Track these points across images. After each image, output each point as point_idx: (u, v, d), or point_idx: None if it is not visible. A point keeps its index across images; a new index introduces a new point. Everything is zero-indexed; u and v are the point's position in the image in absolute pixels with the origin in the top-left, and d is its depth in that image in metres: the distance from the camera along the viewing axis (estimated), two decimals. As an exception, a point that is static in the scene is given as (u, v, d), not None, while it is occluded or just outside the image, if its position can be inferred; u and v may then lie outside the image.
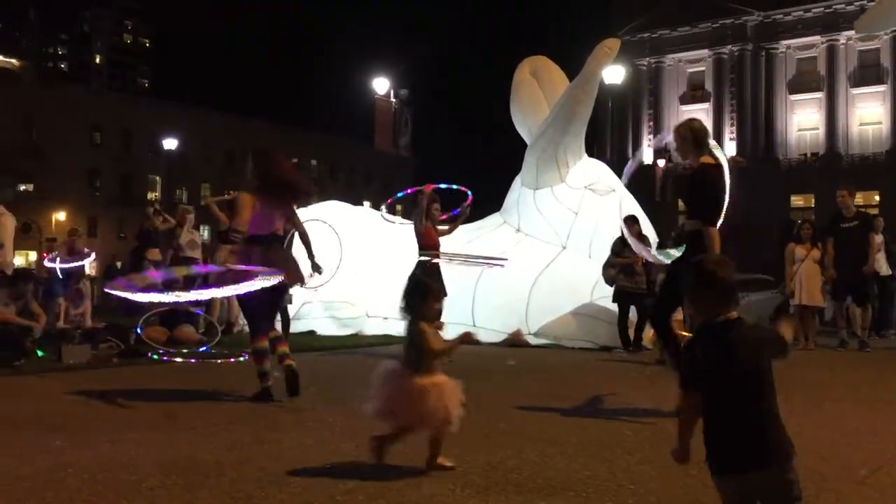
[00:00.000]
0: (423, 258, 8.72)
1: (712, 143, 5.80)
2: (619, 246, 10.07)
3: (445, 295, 9.08)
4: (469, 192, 9.78)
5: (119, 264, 29.55)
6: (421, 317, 3.86)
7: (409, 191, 9.89)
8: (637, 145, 54.29)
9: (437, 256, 8.95)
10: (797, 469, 2.43)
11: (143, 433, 4.63)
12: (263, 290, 5.78)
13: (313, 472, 3.74)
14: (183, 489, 3.43)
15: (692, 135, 5.66)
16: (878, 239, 11.85)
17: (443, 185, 9.58)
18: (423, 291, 3.93)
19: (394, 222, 10.25)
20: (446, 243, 9.26)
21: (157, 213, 13.86)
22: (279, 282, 5.83)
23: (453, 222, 9.48)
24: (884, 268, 12.63)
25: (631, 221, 10.05)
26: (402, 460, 3.91)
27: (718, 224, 5.49)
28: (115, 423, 4.98)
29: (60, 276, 11.60)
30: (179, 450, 4.16)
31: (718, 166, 5.66)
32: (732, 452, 2.32)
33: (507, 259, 9.61)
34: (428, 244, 9.00)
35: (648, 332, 9.93)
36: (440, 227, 9.32)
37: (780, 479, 2.32)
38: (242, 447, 4.25)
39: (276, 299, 6.30)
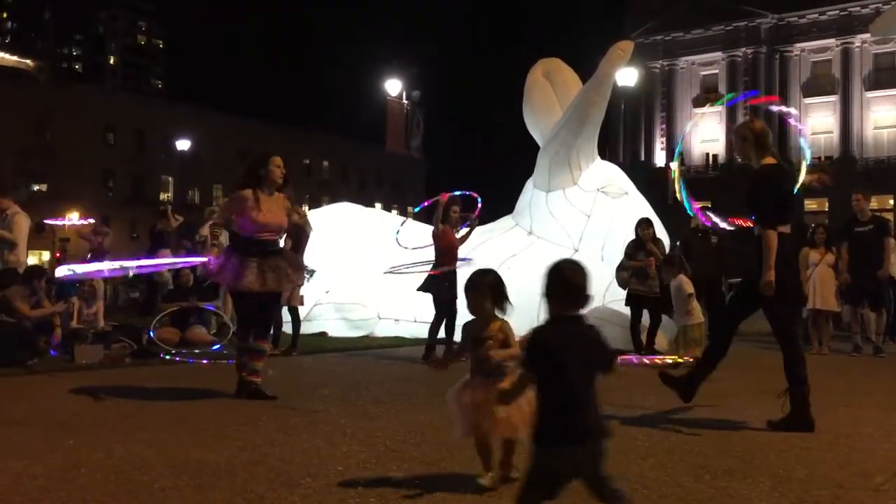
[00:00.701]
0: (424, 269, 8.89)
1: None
2: (633, 249, 10.03)
3: (457, 297, 9.16)
4: (479, 200, 9.87)
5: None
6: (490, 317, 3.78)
7: (425, 203, 9.96)
8: (650, 148, 54.18)
9: (448, 262, 9.01)
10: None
11: (155, 434, 4.63)
12: (253, 298, 6.02)
13: (325, 474, 3.73)
14: (194, 490, 3.42)
15: (753, 135, 5.54)
16: (892, 243, 11.77)
17: (457, 193, 9.69)
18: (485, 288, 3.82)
19: (407, 247, 10.19)
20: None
21: (165, 213, 13.90)
22: (270, 293, 6.03)
23: (467, 232, 9.63)
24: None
25: (645, 225, 10.01)
26: (414, 465, 3.90)
27: (785, 228, 5.27)
28: (127, 423, 4.98)
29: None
30: (191, 451, 4.16)
31: (780, 167, 5.52)
32: (560, 427, 2.57)
33: (470, 259, 9.57)
34: (443, 245, 9.06)
35: (662, 337, 9.90)
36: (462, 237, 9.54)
37: (594, 453, 2.62)
38: (254, 449, 4.24)
39: (266, 309, 6.28)
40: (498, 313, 3.73)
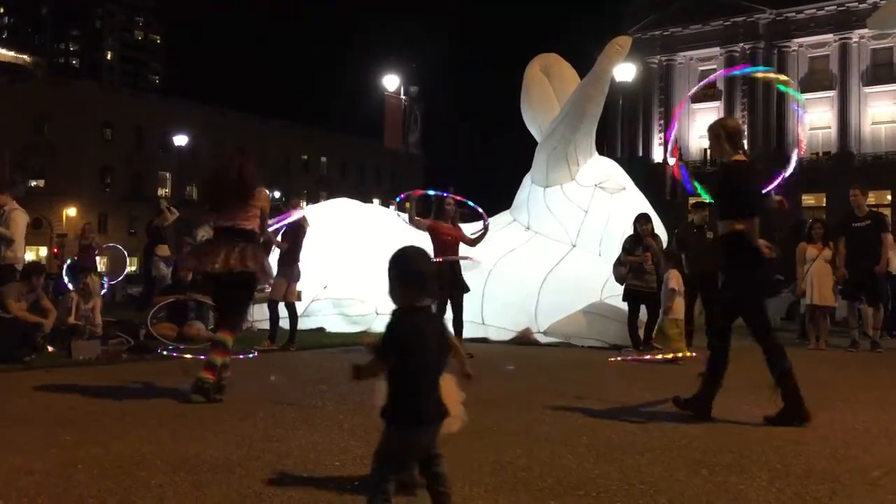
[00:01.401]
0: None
1: None
2: (630, 244, 10.03)
3: (468, 290, 9.26)
4: (446, 195, 9.94)
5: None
6: None
7: (401, 196, 10.01)
8: (648, 143, 54.18)
9: (448, 252, 9.08)
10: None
11: (152, 430, 4.63)
12: (220, 283, 6.01)
13: (322, 469, 3.73)
14: (191, 486, 3.42)
15: (726, 132, 5.59)
16: (890, 238, 11.80)
17: (430, 192, 9.77)
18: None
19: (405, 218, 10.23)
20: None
21: (167, 207, 13.91)
22: (238, 274, 5.90)
23: (481, 235, 9.83)
24: None
25: (644, 220, 10.01)
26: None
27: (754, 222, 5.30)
28: (124, 419, 4.98)
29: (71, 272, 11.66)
30: (188, 446, 4.16)
31: (750, 164, 5.60)
32: (415, 410, 2.72)
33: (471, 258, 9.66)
34: (439, 237, 9.13)
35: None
36: (467, 236, 9.68)
37: (436, 434, 2.80)
38: (251, 444, 4.24)
39: (231, 293, 6.14)
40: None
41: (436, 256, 9.08)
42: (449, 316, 8.99)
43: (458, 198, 10.04)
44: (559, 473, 3.72)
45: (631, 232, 10.21)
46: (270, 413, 5.19)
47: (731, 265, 5.48)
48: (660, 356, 8.98)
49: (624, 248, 10.14)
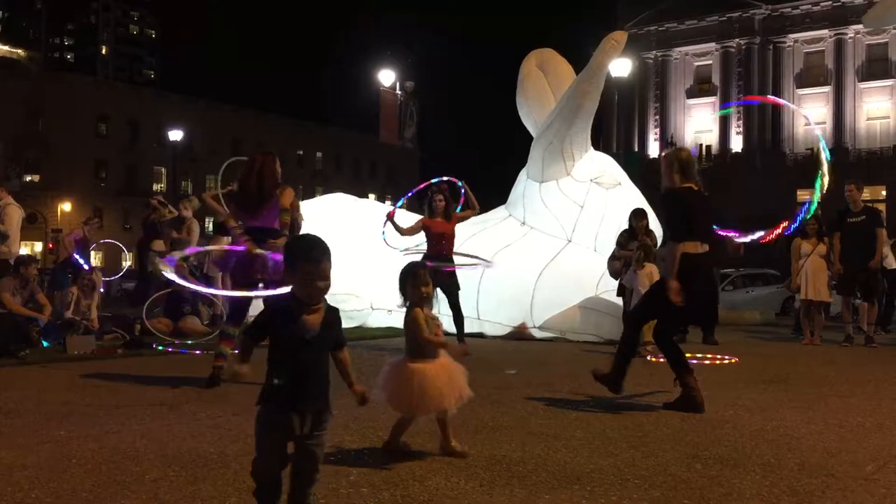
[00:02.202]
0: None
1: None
2: (625, 239, 10.05)
3: (458, 288, 9.22)
4: (459, 183, 9.85)
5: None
6: (412, 304, 3.93)
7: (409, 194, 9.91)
8: (643, 139, 54.20)
9: (443, 248, 9.06)
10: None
11: (147, 424, 4.63)
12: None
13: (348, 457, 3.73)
14: (186, 481, 3.42)
15: (679, 163, 5.71)
16: (884, 233, 11.84)
17: (436, 180, 9.72)
18: (405, 276, 3.96)
19: (396, 248, 9.96)
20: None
21: (163, 203, 13.87)
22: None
23: (466, 210, 9.67)
24: (893, 262, 12.65)
25: (640, 216, 10.02)
26: (406, 454, 3.90)
27: (697, 247, 5.47)
28: (119, 414, 4.98)
29: (79, 264, 11.63)
30: (183, 441, 4.16)
31: (697, 192, 5.72)
32: (294, 394, 2.77)
33: (491, 262, 9.61)
34: (433, 234, 9.13)
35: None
36: (463, 214, 9.53)
37: (322, 413, 2.84)
38: (246, 439, 4.23)
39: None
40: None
41: (430, 252, 9.12)
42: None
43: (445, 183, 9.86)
44: (553, 467, 3.73)
45: (625, 227, 10.23)
46: (265, 408, 5.18)
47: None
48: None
49: (618, 243, 10.15)
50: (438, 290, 8.95)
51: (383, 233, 9.86)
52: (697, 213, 5.60)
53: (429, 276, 3.97)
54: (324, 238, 3.01)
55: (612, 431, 4.60)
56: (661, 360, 8.58)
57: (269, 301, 3.00)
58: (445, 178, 9.85)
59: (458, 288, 9.20)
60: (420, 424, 4.05)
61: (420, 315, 3.88)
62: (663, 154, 6.05)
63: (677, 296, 5.35)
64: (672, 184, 5.72)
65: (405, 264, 4.10)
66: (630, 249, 9.93)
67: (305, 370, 2.79)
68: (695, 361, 8.52)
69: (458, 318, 9.10)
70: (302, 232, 9.07)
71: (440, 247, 9.14)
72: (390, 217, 9.60)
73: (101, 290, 10.34)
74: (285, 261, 2.91)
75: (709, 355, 8.85)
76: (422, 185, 9.49)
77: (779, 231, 7.80)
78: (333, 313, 2.89)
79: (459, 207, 9.64)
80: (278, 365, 2.81)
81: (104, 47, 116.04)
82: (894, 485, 3.53)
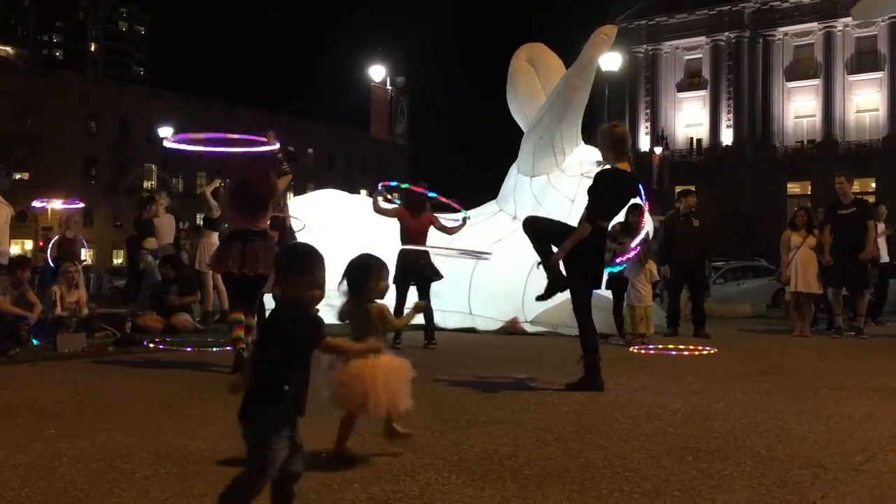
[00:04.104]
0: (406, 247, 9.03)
1: None
2: (617, 233, 10.07)
3: (440, 277, 9.29)
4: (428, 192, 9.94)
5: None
6: (365, 298, 3.76)
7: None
8: (634, 133, 54.22)
9: (413, 242, 9.16)
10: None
11: (138, 421, 4.62)
12: (242, 274, 6.82)
13: (309, 460, 3.72)
14: (177, 478, 3.41)
15: (611, 140, 5.99)
16: (874, 225, 11.90)
17: (431, 195, 9.84)
18: (367, 271, 3.79)
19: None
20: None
21: (151, 199, 13.82)
22: (259, 273, 6.74)
23: (460, 226, 9.81)
24: (885, 255, 12.76)
25: (638, 211, 10.01)
26: (399, 448, 3.90)
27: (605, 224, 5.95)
28: (109, 411, 4.96)
29: (53, 266, 11.61)
30: (174, 438, 4.15)
31: (627, 173, 6.02)
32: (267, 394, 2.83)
33: (490, 253, 9.70)
34: (409, 228, 9.19)
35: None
36: (446, 225, 9.63)
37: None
38: (237, 435, 4.17)
39: (253, 286, 6.98)
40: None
41: (403, 244, 9.20)
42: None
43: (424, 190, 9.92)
44: (545, 461, 3.74)
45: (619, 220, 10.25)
46: (257, 404, 5.17)
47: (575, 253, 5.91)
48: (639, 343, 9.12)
49: (610, 236, 10.17)
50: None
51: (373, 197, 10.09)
52: (618, 197, 6.05)
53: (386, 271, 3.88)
54: (314, 234, 3.01)
55: (603, 425, 4.61)
56: (645, 352, 8.65)
57: (301, 310, 2.85)
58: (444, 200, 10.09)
59: (437, 277, 9.24)
60: (406, 420, 3.96)
61: (379, 309, 3.76)
62: (600, 129, 6.26)
63: (557, 262, 5.86)
64: (606, 159, 6.09)
65: (360, 256, 3.89)
66: (621, 243, 9.95)
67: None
68: (675, 353, 8.57)
69: (428, 310, 9.10)
70: (293, 229, 9.13)
71: (416, 240, 9.29)
72: (380, 190, 9.72)
73: (83, 282, 10.29)
74: (281, 271, 2.90)
75: (690, 346, 8.89)
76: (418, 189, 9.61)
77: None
78: None
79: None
80: (293, 372, 2.82)
81: (93, 44, 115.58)
82: (884, 475, 3.55)
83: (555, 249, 6.08)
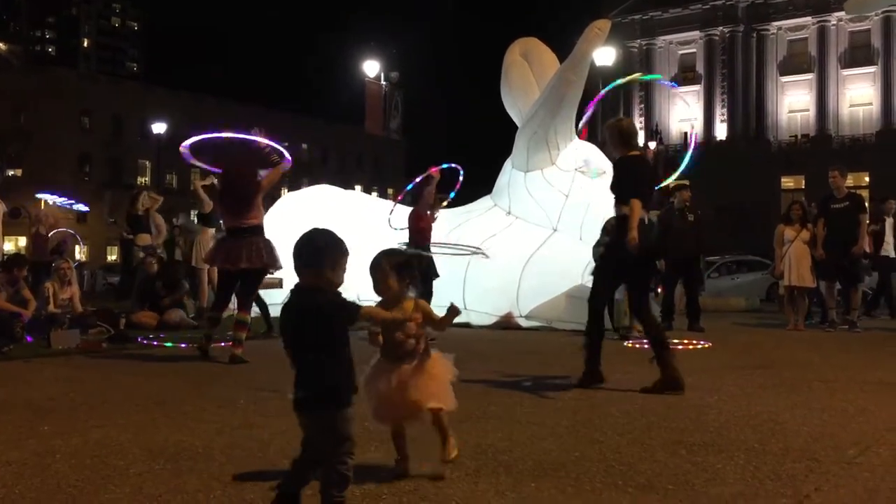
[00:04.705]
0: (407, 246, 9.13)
1: None
2: (612, 226, 10.10)
3: (437, 276, 9.36)
4: (460, 172, 10.07)
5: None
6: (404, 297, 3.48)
7: (417, 180, 10.09)
8: (628, 127, 54.18)
9: (429, 240, 9.25)
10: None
11: (132, 418, 4.61)
12: (234, 273, 7.25)
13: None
14: (171, 474, 3.41)
15: (618, 132, 6.07)
16: (891, 221, 12.01)
17: (444, 165, 9.97)
18: (406, 269, 3.51)
19: (397, 228, 10.30)
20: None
21: (139, 194, 13.78)
22: (246, 267, 7.13)
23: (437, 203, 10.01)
24: (892, 250, 12.87)
25: None
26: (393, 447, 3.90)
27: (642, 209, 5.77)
28: (103, 408, 4.96)
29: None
30: (168, 435, 4.14)
31: (642, 157, 6.20)
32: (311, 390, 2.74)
33: (485, 253, 9.80)
34: (420, 227, 9.29)
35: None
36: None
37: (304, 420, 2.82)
38: (231, 432, 4.23)
39: (244, 281, 7.38)
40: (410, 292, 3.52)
41: (411, 242, 9.31)
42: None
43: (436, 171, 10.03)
44: (539, 455, 3.74)
45: (611, 216, 10.26)
46: (252, 400, 5.18)
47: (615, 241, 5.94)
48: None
49: (604, 230, 10.18)
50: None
51: (389, 218, 10.15)
52: (644, 180, 6.02)
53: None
54: (309, 229, 2.98)
55: (597, 419, 4.61)
56: (640, 346, 8.66)
57: (343, 299, 2.80)
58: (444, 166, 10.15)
59: (436, 276, 9.41)
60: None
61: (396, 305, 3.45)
62: (605, 125, 6.38)
63: (635, 245, 5.58)
64: (616, 152, 6.14)
65: (389, 251, 3.65)
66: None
67: None
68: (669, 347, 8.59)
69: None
70: (298, 223, 9.24)
71: (427, 236, 9.49)
72: (397, 202, 9.85)
73: (75, 279, 10.28)
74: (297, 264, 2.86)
75: (685, 340, 8.91)
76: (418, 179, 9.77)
77: None
78: None
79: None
80: (349, 362, 2.82)
81: (86, 40, 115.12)
82: (876, 468, 3.56)
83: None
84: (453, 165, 10.41)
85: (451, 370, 3.49)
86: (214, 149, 7.70)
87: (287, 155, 7.71)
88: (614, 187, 6.07)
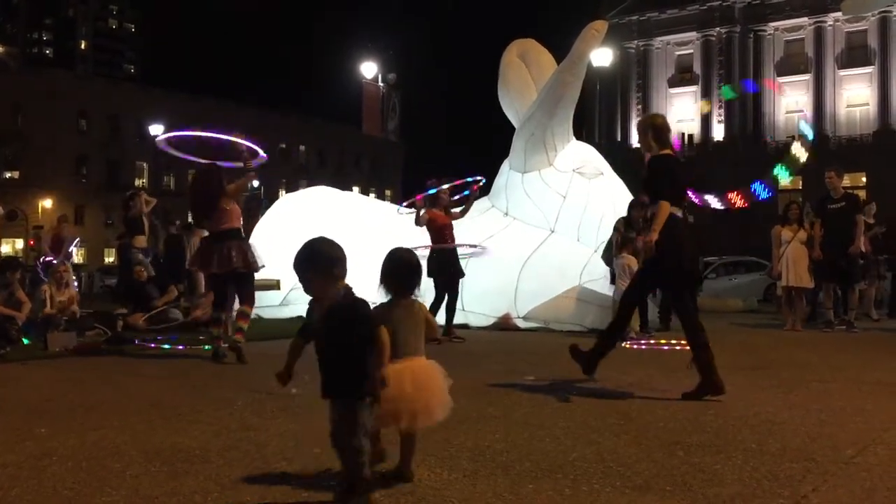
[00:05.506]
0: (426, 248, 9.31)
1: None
2: (622, 226, 10.17)
3: (463, 275, 9.55)
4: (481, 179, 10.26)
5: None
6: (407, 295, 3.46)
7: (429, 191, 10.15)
8: (625, 128, 54.29)
9: (450, 240, 9.35)
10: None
11: (129, 420, 4.60)
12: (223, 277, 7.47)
13: (300, 458, 3.72)
14: (167, 476, 3.40)
15: (653, 129, 5.91)
16: (863, 219, 11.99)
17: (469, 179, 10.16)
18: (409, 270, 3.50)
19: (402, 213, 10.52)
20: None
21: (135, 195, 13.73)
22: (233, 269, 7.38)
23: (466, 203, 10.20)
24: None
25: (638, 207, 10.05)
26: (390, 448, 3.90)
27: (677, 211, 5.68)
28: (100, 410, 4.94)
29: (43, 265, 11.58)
30: (164, 436, 4.13)
31: (675, 157, 6.00)
32: (333, 382, 2.98)
33: (485, 248, 9.92)
34: (437, 227, 9.39)
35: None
36: (454, 210, 10.04)
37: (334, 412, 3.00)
38: (228, 433, 4.22)
39: (236, 283, 7.58)
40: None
41: (434, 244, 9.39)
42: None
43: (455, 182, 10.21)
44: (537, 457, 3.74)
45: (607, 217, 10.31)
46: (248, 402, 5.16)
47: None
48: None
49: (616, 230, 10.25)
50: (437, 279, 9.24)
51: (399, 208, 10.32)
52: (679, 178, 5.84)
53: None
54: (306, 231, 3.01)
55: (595, 420, 4.61)
56: (637, 347, 8.66)
57: (365, 304, 3.06)
58: (478, 178, 10.42)
59: (462, 275, 9.57)
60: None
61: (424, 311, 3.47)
62: (639, 121, 6.29)
63: (650, 249, 5.51)
64: (648, 149, 5.96)
65: (399, 251, 3.58)
66: (630, 237, 10.00)
67: None
68: (666, 347, 8.59)
69: (452, 306, 9.50)
70: (296, 225, 9.30)
71: (446, 236, 9.59)
72: (419, 202, 9.96)
73: (75, 283, 10.28)
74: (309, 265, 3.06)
75: (682, 342, 8.89)
76: (457, 182, 9.96)
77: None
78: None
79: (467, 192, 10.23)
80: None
81: (83, 42, 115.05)
82: (874, 468, 3.56)
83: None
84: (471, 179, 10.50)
85: (444, 376, 3.43)
86: (188, 146, 8.12)
87: (262, 152, 7.90)
88: (647, 185, 5.90)
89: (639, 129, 6.07)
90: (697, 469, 3.52)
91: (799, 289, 11.17)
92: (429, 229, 9.65)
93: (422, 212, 9.81)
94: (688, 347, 8.41)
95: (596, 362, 5.83)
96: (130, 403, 5.16)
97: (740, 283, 21.39)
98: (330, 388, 3.00)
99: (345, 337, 2.97)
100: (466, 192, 10.36)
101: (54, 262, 11.94)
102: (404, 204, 10.77)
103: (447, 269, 9.45)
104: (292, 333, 3.24)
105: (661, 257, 5.55)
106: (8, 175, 57.52)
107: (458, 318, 10.92)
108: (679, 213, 5.68)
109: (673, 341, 8.96)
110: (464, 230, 11.35)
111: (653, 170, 5.85)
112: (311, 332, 3.08)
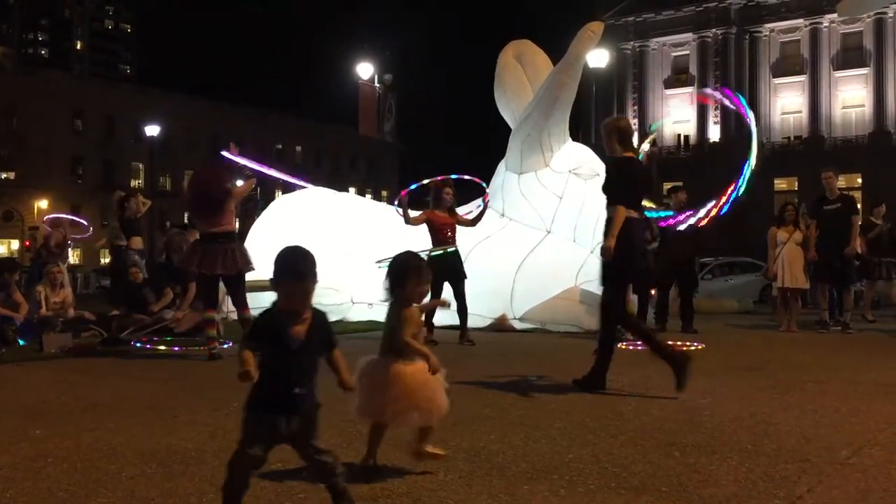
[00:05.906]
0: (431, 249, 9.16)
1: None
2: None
3: (465, 277, 9.43)
4: (485, 186, 10.20)
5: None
6: (405, 300, 3.49)
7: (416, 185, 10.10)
8: (622, 129, 54.22)
9: (448, 241, 9.23)
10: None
11: (124, 421, 4.59)
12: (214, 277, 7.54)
13: (296, 459, 3.69)
14: (163, 477, 3.40)
15: (617, 131, 6.04)
16: (859, 220, 12.02)
17: (454, 177, 9.98)
18: (406, 270, 3.50)
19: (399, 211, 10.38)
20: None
21: (127, 197, 13.68)
22: (222, 273, 7.44)
23: (479, 216, 9.96)
24: None
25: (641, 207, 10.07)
26: (386, 448, 3.89)
27: (634, 214, 5.81)
28: (95, 411, 4.94)
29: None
30: (160, 438, 4.13)
31: (636, 160, 6.18)
32: (277, 399, 2.82)
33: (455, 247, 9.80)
34: (435, 227, 9.29)
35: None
36: (465, 218, 9.89)
37: (305, 423, 2.87)
38: (224, 435, 4.22)
39: (227, 285, 7.66)
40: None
41: (436, 242, 9.31)
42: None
43: (461, 177, 10.14)
44: (533, 458, 3.74)
45: (606, 217, 10.30)
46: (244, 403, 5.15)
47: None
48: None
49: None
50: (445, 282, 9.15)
51: (396, 205, 10.19)
52: (638, 181, 5.99)
53: (429, 273, 3.59)
54: (302, 232, 3.01)
55: (591, 421, 4.61)
56: (633, 347, 8.66)
57: (258, 316, 2.95)
58: (467, 177, 10.24)
59: (465, 277, 9.39)
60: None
61: (416, 315, 3.52)
62: (603, 122, 6.34)
63: (608, 254, 5.65)
64: (613, 152, 6.07)
65: (402, 254, 3.61)
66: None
67: (294, 376, 2.84)
68: None
69: (463, 309, 9.27)
70: (292, 226, 9.26)
71: (445, 237, 9.40)
72: (403, 197, 9.80)
73: (68, 282, 10.25)
74: (274, 273, 2.91)
75: (678, 342, 8.90)
76: (439, 178, 9.79)
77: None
78: (321, 317, 2.91)
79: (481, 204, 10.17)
80: (269, 372, 2.82)
81: (79, 42, 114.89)
82: (869, 469, 3.57)
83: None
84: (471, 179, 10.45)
85: (443, 378, 3.53)
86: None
87: (254, 176, 8.18)
88: (606, 188, 6.08)
89: (604, 132, 6.15)
90: (693, 470, 3.53)
91: (794, 290, 11.18)
92: (429, 230, 9.57)
93: (415, 213, 9.75)
94: (688, 347, 8.44)
95: (603, 377, 5.76)
96: (126, 405, 5.16)
97: (736, 284, 21.40)
98: (294, 403, 2.86)
99: (321, 352, 2.94)
100: (480, 204, 10.27)
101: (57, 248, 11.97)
102: (395, 203, 10.71)
103: (444, 276, 9.08)
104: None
105: (615, 256, 5.72)
106: (3, 176, 57.38)
107: (455, 319, 10.92)
108: (635, 215, 5.82)
109: (670, 342, 8.96)
110: (460, 231, 11.35)
111: (611, 173, 6.03)
112: (274, 343, 2.85)
